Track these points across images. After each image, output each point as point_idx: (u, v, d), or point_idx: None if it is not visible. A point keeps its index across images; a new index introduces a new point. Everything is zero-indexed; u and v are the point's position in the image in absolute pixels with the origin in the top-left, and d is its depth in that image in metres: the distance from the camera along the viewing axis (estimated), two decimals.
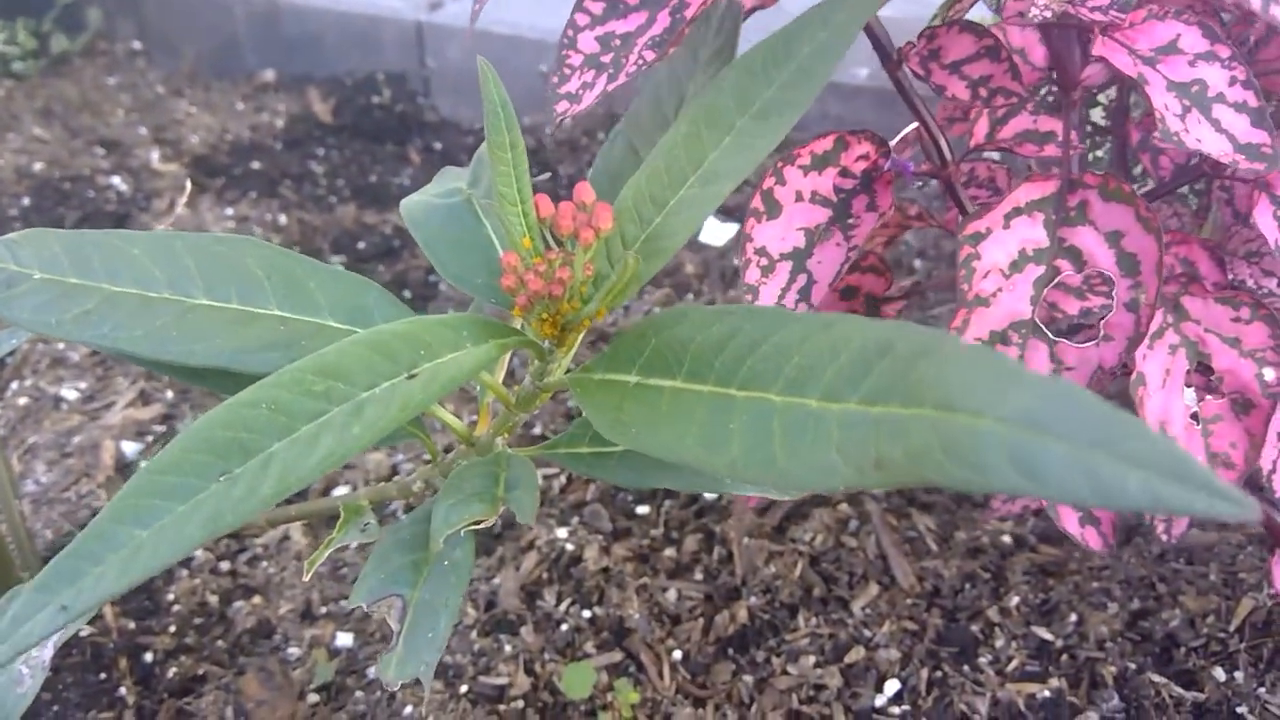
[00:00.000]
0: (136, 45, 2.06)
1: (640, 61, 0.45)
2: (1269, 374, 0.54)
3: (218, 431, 0.35)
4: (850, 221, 0.54)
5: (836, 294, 0.64)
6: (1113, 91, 0.70)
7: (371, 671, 0.76)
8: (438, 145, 1.66)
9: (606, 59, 0.46)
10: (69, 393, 1.05)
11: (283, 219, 1.40)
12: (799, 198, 0.53)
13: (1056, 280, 0.51)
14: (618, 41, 0.46)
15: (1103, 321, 0.50)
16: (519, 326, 0.44)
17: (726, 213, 1.37)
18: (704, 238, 1.32)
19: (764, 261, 0.51)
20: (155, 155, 1.61)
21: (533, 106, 1.62)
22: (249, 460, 0.34)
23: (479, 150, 0.50)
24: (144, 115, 1.78)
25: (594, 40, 0.47)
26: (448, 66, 1.76)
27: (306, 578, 0.42)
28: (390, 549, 0.41)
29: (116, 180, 1.53)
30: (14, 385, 1.07)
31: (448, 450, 0.50)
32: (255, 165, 1.58)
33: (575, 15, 0.47)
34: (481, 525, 0.39)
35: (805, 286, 0.53)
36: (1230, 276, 0.60)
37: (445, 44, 1.75)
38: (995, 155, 0.70)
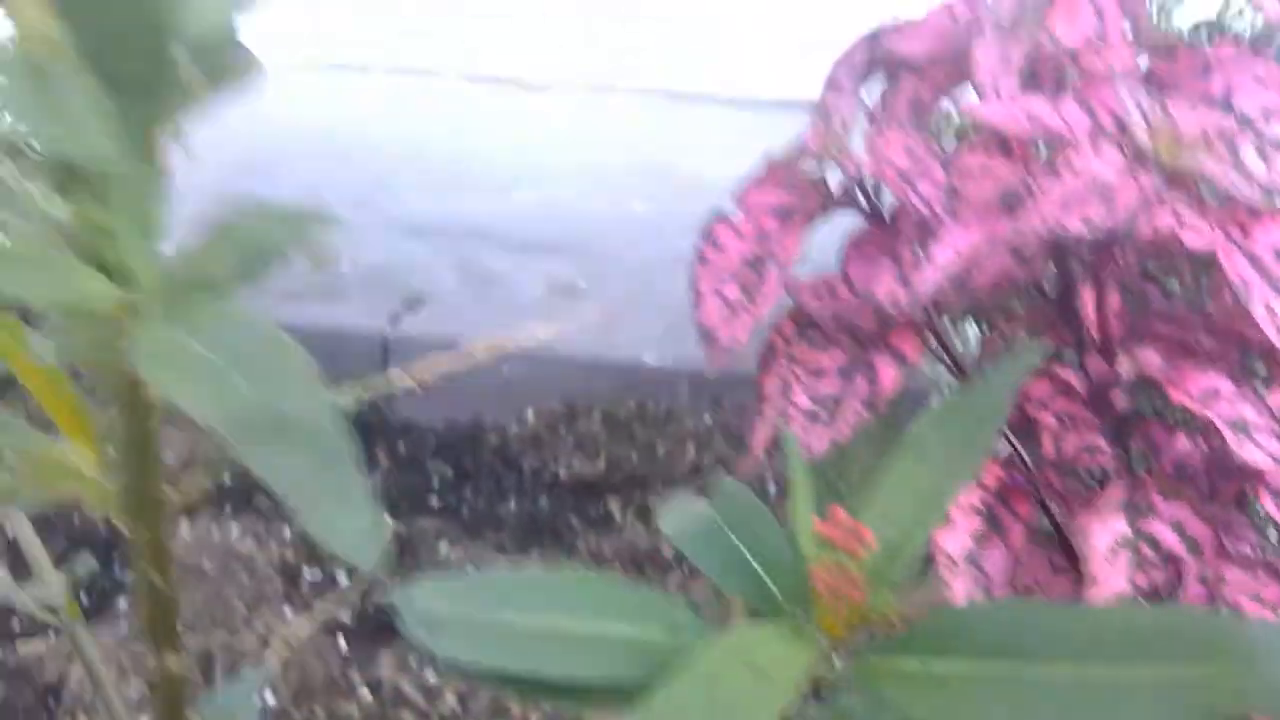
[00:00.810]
0: None
1: (857, 415, 0.59)
2: None
3: None
4: (1003, 528, 0.68)
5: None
6: None
7: None
8: (402, 448, 1.76)
9: (823, 413, 0.60)
10: None
11: (286, 532, 1.44)
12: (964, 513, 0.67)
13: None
14: (831, 401, 0.60)
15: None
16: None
17: None
18: None
19: (950, 563, 0.64)
20: None
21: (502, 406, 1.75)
22: None
23: (717, 483, 0.61)
24: None
25: (807, 399, 0.61)
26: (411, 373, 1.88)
27: None
28: None
29: None
30: None
31: None
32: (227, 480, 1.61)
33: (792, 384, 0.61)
34: None
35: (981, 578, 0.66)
36: None
37: (408, 353, 1.88)
38: None
